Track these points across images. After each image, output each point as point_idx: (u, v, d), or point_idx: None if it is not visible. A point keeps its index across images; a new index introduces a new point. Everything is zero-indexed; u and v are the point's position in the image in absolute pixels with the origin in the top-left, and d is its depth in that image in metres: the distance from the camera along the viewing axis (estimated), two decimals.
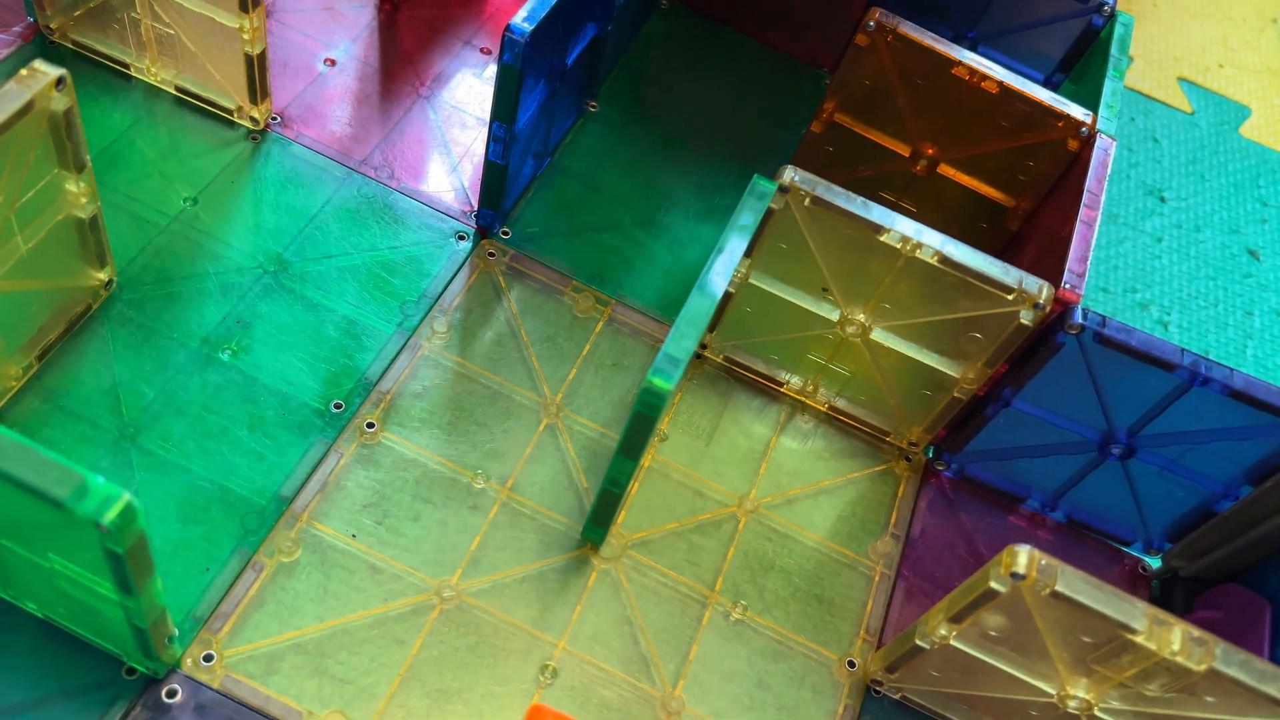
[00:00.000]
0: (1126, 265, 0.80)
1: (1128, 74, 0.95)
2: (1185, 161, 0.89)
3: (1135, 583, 0.61)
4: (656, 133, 0.73)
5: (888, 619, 0.56)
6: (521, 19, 0.53)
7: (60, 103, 0.45)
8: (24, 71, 0.44)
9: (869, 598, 0.56)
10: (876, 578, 0.57)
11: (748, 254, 0.55)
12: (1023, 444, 0.59)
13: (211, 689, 0.46)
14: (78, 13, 0.62)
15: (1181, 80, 0.97)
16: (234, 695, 0.46)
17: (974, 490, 0.62)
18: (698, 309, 0.46)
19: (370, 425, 0.55)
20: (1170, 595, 0.60)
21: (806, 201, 0.52)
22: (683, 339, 0.45)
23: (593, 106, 0.73)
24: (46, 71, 0.44)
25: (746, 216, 0.51)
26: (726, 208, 0.71)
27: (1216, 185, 0.87)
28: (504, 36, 0.53)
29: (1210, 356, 0.76)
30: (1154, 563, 0.62)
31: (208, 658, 0.46)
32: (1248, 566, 0.57)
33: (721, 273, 0.48)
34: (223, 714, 0.45)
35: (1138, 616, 0.42)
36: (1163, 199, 0.85)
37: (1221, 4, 1.10)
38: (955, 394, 0.57)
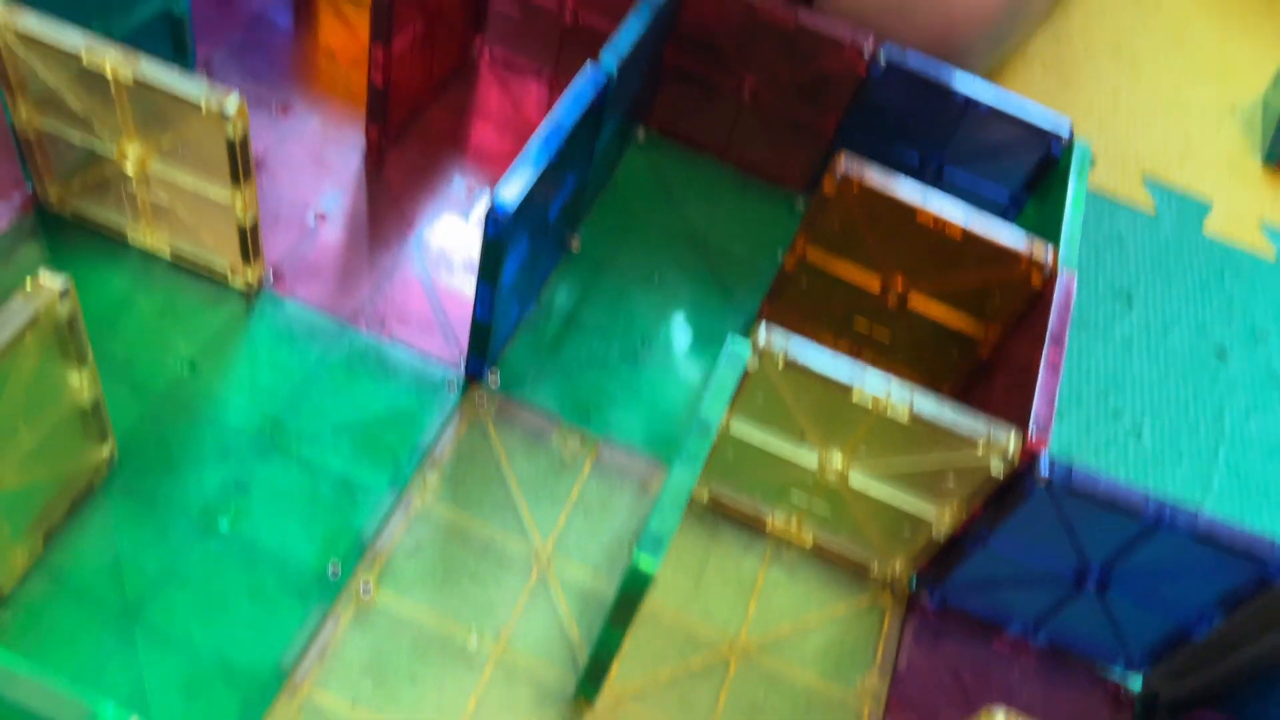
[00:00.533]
0: (1097, 372, 0.82)
1: (1091, 175, 0.98)
2: (1150, 262, 0.92)
3: (1118, 706, 0.63)
4: (638, 266, 0.76)
5: None
6: (505, 194, 0.55)
7: (64, 310, 0.47)
8: (29, 285, 0.46)
9: None
10: (865, 716, 0.59)
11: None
12: (1001, 576, 0.61)
13: None
14: (76, 185, 0.64)
15: (1145, 177, 1.00)
16: None
17: (958, 618, 0.64)
18: (680, 485, 0.48)
19: (366, 587, 0.57)
20: (1152, 719, 0.62)
21: (780, 364, 0.54)
22: (667, 516, 0.47)
23: (575, 247, 0.75)
24: (51, 285, 0.46)
25: (723, 378, 0.53)
26: (709, 336, 0.73)
27: (1182, 284, 0.90)
28: (488, 214, 0.55)
29: (1183, 463, 0.78)
30: (1135, 685, 0.63)
31: None
32: (1226, 692, 0.59)
33: (702, 443, 0.50)
34: None
35: None
36: (1130, 303, 0.88)
37: (1180, 97, 1.14)
38: (933, 535, 0.59)
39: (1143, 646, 0.61)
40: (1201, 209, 0.99)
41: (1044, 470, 0.53)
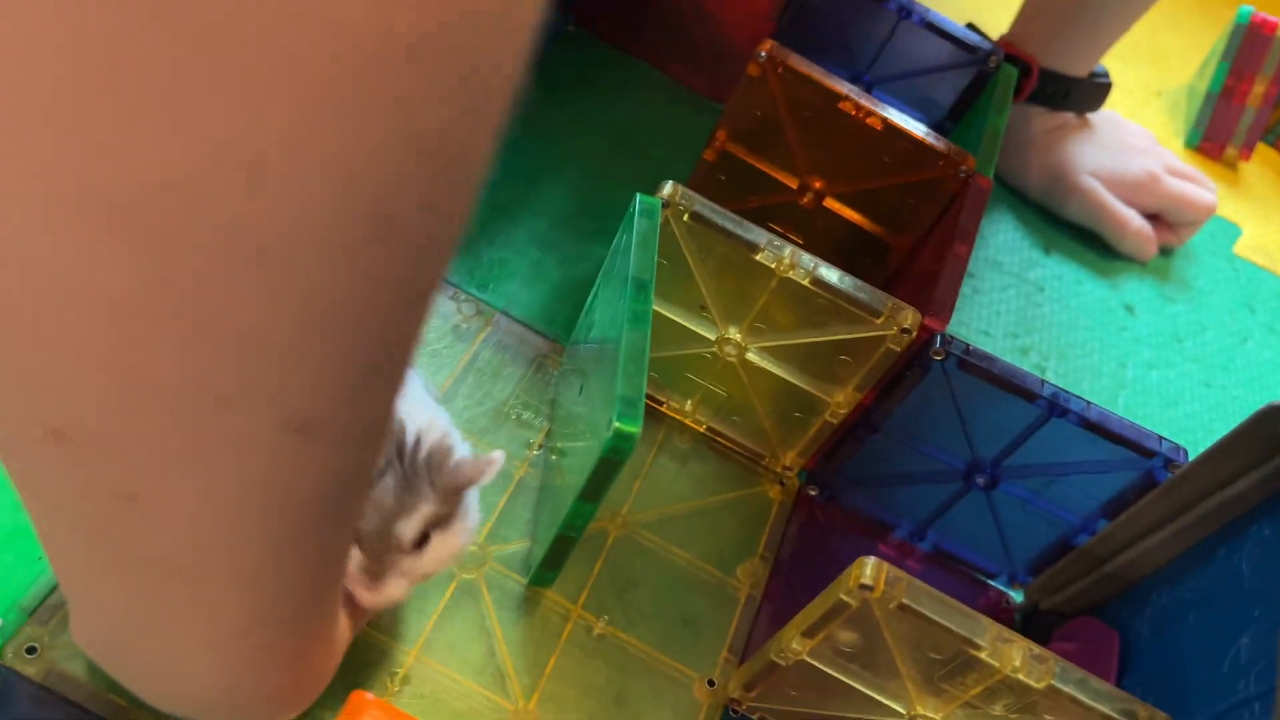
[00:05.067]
0: (1009, 311, 0.82)
1: None
2: (1069, 220, 0.92)
3: (998, 616, 0.62)
4: (554, 153, 0.74)
5: (751, 640, 0.56)
6: None
7: None
8: None
9: (734, 618, 0.56)
10: (743, 599, 0.57)
11: None
12: (892, 471, 0.60)
13: (33, 682, 0.43)
14: None
15: None
16: (57, 689, 0.43)
17: (845, 516, 0.63)
18: (636, 345, 0.45)
19: None
20: (1031, 628, 0.61)
21: (685, 217, 0.52)
22: (633, 378, 0.44)
23: None
24: None
25: (644, 239, 0.50)
26: (615, 229, 0.71)
27: (1099, 243, 0.91)
28: None
29: None
30: (1017, 596, 0.63)
31: (31, 650, 0.44)
32: (1103, 600, 0.58)
33: (642, 301, 0.47)
34: (44, 707, 0.43)
35: (981, 632, 0.42)
36: (1047, 251, 0.88)
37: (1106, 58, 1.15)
38: (827, 417, 0.58)
39: (1026, 557, 0.61)
40: None
41: (940, 343, 0.52)
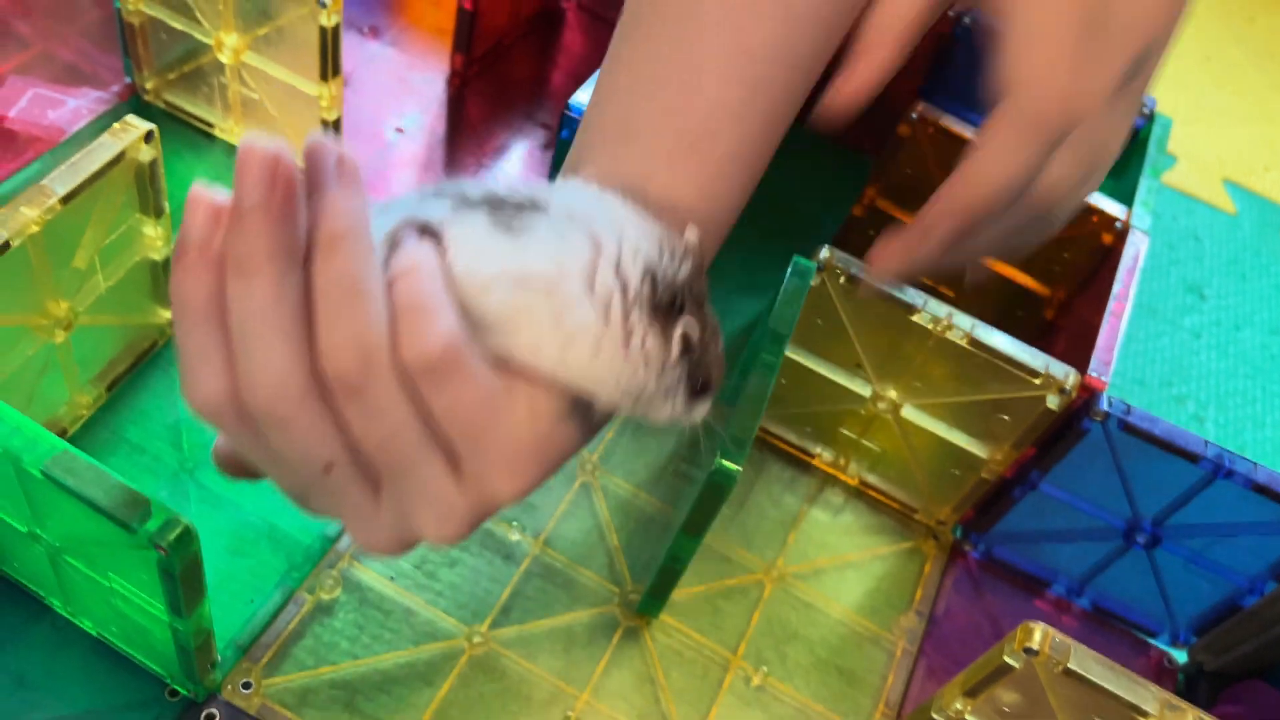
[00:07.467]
0: (1163, 360, 0.81)
1: (1171, 173, 0.97)
2: (1226, 261, 0.90)
3: (1160, 676, 0.61)
4: None
5: (908, 694, 0.56)
6: (580, 98, 0.56)
7: (147, 154, 0.48)
8: (117, 125, 0.48)
9: (890, 672, 0.57)
10: (899, 653, 0.58)
11: None
12: (1049, 528, 0.60)
13: (249, 715, 0.48)
14: (172, 76, 0.67)
15: (1226, 181, 0.98)
16: None
17: (1000, 572, 0.63)
18: (759, 390, 0.47)
19: None
20: (1195, 689, 0.60)
21: (842, 280, 0.54)
22: (746, 420, 0.46)
23: None
24: (137, 126, 0.48)
25: (790, 296, 0.53)
26: (767, 284, 0.73)
27: (1258, 286, 0.88)
28: (563, 115, 0.56)
29: (1246, 454, 0.76)
30: (1180, 656, 0.62)
31: (246, 685, 0.48)
32: (1274, 663, 0.57)
33: (775, 352, 0.49)
34: None
35: (1149, 699, 0.42)
36: (1202, 296, 0.86)
37: (1266, 107, 1.12)
38: (983, 474, 0.58)
39: (1190, 616, 0.60)
40: None
41: (1102, 404, 0.52)
